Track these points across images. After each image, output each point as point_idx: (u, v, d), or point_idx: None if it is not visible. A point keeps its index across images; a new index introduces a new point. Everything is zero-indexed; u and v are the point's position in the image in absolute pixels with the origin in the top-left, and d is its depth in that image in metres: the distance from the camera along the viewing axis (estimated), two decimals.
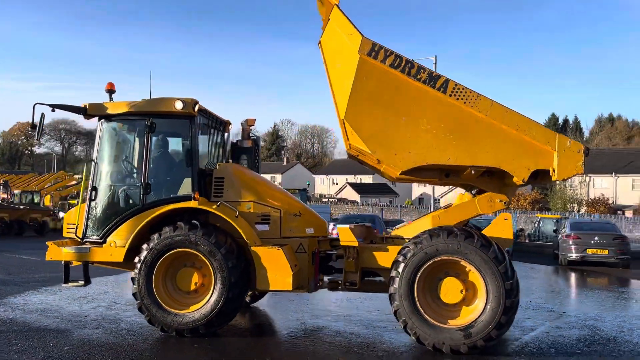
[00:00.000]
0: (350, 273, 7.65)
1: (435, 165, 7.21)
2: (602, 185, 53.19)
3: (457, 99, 6.90)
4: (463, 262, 6.74)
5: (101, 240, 7.80)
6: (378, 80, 7.02)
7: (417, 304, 6.77)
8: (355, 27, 7.17)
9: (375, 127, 7.07)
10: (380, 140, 7.08)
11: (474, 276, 6.77)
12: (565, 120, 76.54)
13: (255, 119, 9.35)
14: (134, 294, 7.36)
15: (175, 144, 8.39)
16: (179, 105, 7.71)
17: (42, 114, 7.57)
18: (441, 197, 55.32)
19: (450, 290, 6.84)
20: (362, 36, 7.07)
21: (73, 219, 8.12)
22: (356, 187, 70.68)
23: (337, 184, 78.89)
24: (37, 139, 7.69)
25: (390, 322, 7.93)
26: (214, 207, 7.52)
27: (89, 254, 7.71)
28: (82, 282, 7.92)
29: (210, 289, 7.30)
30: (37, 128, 7.53)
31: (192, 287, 7.43)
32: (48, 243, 7.87)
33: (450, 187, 6.99)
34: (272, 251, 7.34)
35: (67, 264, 7.88)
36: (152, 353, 6.62)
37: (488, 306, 6.58)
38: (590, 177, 52.38)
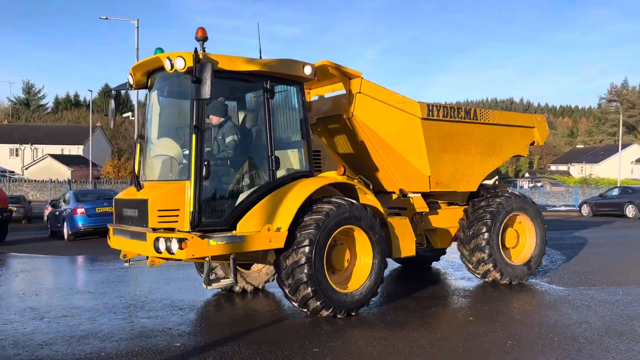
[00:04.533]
0: (419, 235, 8.73)
1: None
2: None
3: (482, 120, 8.86)
4: (520, 215, 9.00)
5: (227, 227, 6.41)
6: (438, 132, 8.20)
7: (501, 250, 8.68)
8: (398, 93, 7.79)
9: (449, 169, 8.39)
10: (456, 178, 8.51)
11: (520, 225, 9.14)
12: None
13: None
14: (305, 282, 6.50)
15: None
16: (308, 71, 7.02)
17: None
18: None
19: (510, 237, 9.01)
20: (417, 102, 7.93)
21: (172, 203, 6.22)
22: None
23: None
24: None
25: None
26: (355, 180, 7.34)
27: (244, 244, 6.25)
28: (231, 280, 6.25)
29: (358, 263, 7.21)
30: None
31: (345, 264, 7.15)
32: (187, 236, 5.90)
33: None
34: (402, 221, 7.81)
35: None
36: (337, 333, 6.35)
37: (538, 244, 9.08)
38: None
